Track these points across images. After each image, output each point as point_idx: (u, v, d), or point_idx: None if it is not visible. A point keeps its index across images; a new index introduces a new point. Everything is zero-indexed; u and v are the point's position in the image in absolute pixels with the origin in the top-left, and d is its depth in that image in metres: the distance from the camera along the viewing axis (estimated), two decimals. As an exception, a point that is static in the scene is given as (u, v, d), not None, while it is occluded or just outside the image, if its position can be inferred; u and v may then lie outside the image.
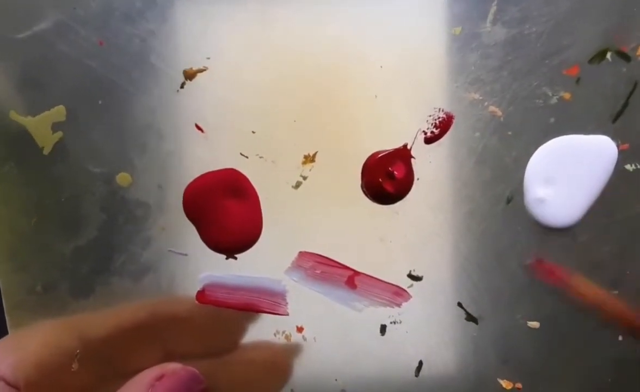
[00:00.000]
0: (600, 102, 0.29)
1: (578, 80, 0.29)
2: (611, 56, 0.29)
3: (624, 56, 0.29)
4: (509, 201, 0.30)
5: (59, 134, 0.29)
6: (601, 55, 0.29)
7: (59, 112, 0.29)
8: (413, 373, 0.31)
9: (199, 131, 0.30)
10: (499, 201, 0.30)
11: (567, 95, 0.29)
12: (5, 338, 0.31)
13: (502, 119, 0.29)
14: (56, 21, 0.28)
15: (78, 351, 0.30)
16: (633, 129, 0.29)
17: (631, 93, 0.29)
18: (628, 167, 0.30)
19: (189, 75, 0.29)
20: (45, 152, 0.29)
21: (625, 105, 0.29)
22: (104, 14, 0.29)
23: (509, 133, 0.30)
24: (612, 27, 0.29)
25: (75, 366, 0.30)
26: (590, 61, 0.29)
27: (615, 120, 0.29)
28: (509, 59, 0.29)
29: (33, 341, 0.30)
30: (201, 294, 0.31)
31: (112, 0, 0.29)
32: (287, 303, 0.31)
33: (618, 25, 0.29)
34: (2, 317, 0.30)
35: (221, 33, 0.29)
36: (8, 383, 0.30)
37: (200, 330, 0.31)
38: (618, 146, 0.30)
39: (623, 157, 0.30)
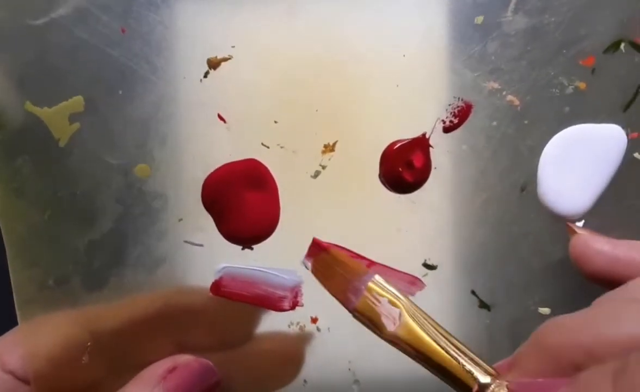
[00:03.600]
0: (613, 91, 0.30)
1: (593, 71, 0.30)
2: (625, 47, 0.29)
3: (637, 47, 0.29)
4: (522, 189, 0.31)
5: (77, 125, 0.29)
6: (615, 46, 0.29)
7: (77, 102, 0.28)
8: (426, 361, 0.32)
9: (221, 121, 0.29)
10: (513, 189, 0.31)
11: (582, 85, 0.30)
12: (14, 330, 0.30)
13: (519, 108, 0.30)
14: (76, 7, 0.28)
15: (89, 343, 0.30)
16: (643, 119, 0.30)
17: (642, 83, 0.30)
18: (637, 155, 0.30)
19: (213, 64, 0.29)
20: (62, 144, 0.29)
21: (636, 94, 0.30)
22: (127, 0, 0.28)
23: (525, 122, 0.30)
24: (627, 18, 0.29)
25: (86, 358, 0.30)
26: (605, 51, 0.29)
27: (626, 109, 0.30)
28: (528, 49, 0.29)
29: (43, 334, 0.30)
30: (215, 287, 0.30)
31: (136, -16, 0.28)
32: (302, 294, 0.31)
33: (632, 17, 0.29)
34: (12, 311, 0.29)
35: (247, 21, 0.29)
36: (17, 377, 0.29)
37: (213, 322, 0.31)
38: (628, 135, 0.30)
39: (632, 145, 0.30)
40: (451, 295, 0.31)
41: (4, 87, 0.28)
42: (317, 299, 0.31)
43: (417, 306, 0.27)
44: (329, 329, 0.31)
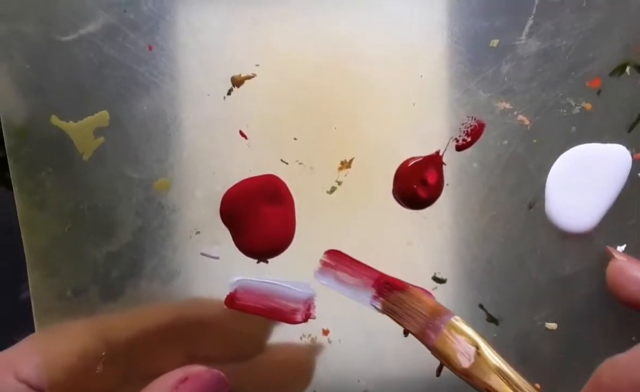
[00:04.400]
0: (618, 113, 0.31)
1: (599, 92, 0.30)
2: (630, 70, 0.30)
3: (642, 70, 0.30)
4: (530, 206, 0.31)
5: (101, 139, 0.29)
6: (621, 68, 0.30)
7: (102, 117, 0.29)
8: (434, 373, 0.32)
9: (243, 138, 0.30)
10: (521, 206, 0.31)
11: (588, 106, 0.31)
12: (29, 338, 0.30)
13: (529, 127, 0.31)
14: (105, 24, 0.28)
15: (104, 353, 0.30)
16: (647, 139, 0.31)
17: (646, 104, 0.31)
18: (641, 175, 0.31)
19: (237, 82, 0.29)
20: (85, 157, 0.29)
21: (641, 116, 0.31)
22: (155, 17, 0.28)
23: (534, 141, 0.31)
24: (633, 43, 0.30)
25: (100, 368, 0.30)
26: (611, 74, 0.30)
27: (630, 130, 0.31)
28: (539, 71, 0.30)
29: (58, 343, 0.30)
30: (230, 299, 0.31)
31: (164, 3, 0.28)
32: (314, 307, 0.31)
33: (638, 41, 0.30)
34: (31, 321, 0.29)
35: (270, 40, 0.29)
36: (31, 386, 0.29)
37: (226, 334, 0.31)
38: (632, 155, 0.31)
39: (637, 165, 0.31)
40: (460, 308, 0.32)
41: (30, 101, 0.28)
42: (329, 311, 0.31)
43: (491, 347, 0.29)
44: (340, 341, 0.32)
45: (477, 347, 0.29)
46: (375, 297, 0.31)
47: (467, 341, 0.29)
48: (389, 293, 0.31)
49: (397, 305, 0.31)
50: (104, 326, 0.30)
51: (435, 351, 0.29)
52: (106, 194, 0.29)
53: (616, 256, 0.30)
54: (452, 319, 0.29)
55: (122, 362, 0.30)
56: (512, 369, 0.28)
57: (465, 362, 0.29)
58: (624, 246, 0.31)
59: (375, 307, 0.31)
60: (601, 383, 0.25)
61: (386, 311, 0.31)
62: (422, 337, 0.30)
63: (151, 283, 0.30)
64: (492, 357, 0.29)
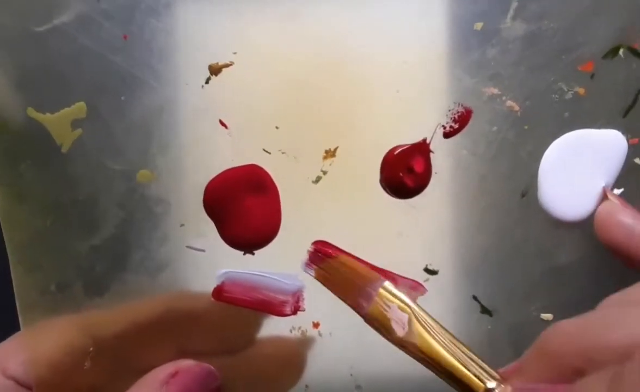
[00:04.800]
0: (612, 97, 0.30)
1: (592, 76, 0.30)
2: (624, 53, 0.30)
3: (636, 53, 0.30)
4: (523, 194, 0.31)
5: (79, 131, 0.29)
6: (614, 51, 0.30)
7: (79, 108, 0.29)
8: (426, 366, 0.32)
9: (223, 127, 0.29)
10: (514, 194, 0.31)
11: (581, 91, 0.30)
12: (16, 335, 0.30)
13: (519, 113, 0.30)
14: (79, 14, 0.28)
15: (91, 348, 0.30)
16: (643, 124, 0.30)
17: (641, 88, 0.30)
18: (637, 161, 0.30)
19: (215, 70, 0.29)
20: (64, 149, 0.29)
21: (636, 100, 0.30)
22: (130, 7, 0.28)
23: (525, 127, 0.30)
24: (626, 24, 0.29)
25: (88, 364, 0.30)
26: (604, 57, 0.30)
27: (625, 115, 0.30)
28: (526, 55, 0.30)
29: (46, 339, 0.30)
30: (217, 292, 0.30)
31: (139, -8, 0.28)
32: (303, 299, 0.31)
33: (631, 23, 0.29)
34: (15, 317, 0.29)
35: (248, 28, 0.29)
36: (19, 383, 0.29)
37: (215, 327, 0.31)
38: (628, 140, 0.30)
39: (633, 151, 0.30)
40: (452, 300, 0.31)
41: (6, 93, 0.28)
42: (319, 304, 0.31)
43: (425, 312, 0.28)
44: (330, 334, 0.31)
45: (411, 313, 0.28)
46: (308, 265, 0.30)
47: (399, 307, 0.28)
48: (321, 261, 0.30)
49: (328, 273, 0.30)
50: (90, 321, 0.30)
51: (369, 320, 0.28)
52: (87, 186, 0.29)
53: (610, 197, 0.29)
54: (384, 285, 0.28)
55: (110, 358, 0.30)
56: (450, 335, 0.27)
57: (399, 331, 0.28)
58: (622, 189, 0.30)
59: (308, 273, 0.30)
60: (547, 350, 0.25)
61: (319, 279, 0.30)
62: (355, 307, 0.29)
63: (137, 277, 0.30)
64: (426, 323, 0.28)
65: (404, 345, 0.28)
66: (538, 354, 0.25)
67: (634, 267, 0.28)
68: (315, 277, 0.30)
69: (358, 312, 0.29)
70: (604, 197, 0.30)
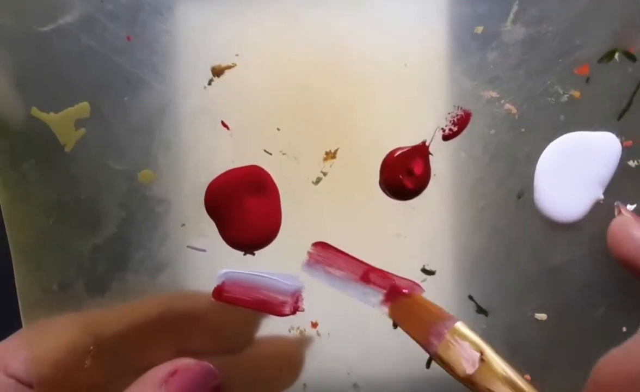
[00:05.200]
0: (607, 100, 0.30)
1: (588, 80, 0.30)
2: (619, 56, 0.30)
3: (631, 57, 0.30)
4: (519, 196, 0.31)
5: (82, 131, 0.29)
6: (610, 55, 0.30)
7: (83, 108, 0.29)
8: (424, 366, 0.32)
9: (225, 128, 0.29)
10: (510, 196, 0.31)
11: (577, 94, 0.30)
12: (17, 334, 0.30)
13: (516, 116, 0.30)
14: (83, 14, 0.28)
15: (92, 347, 0.30)
16: (637, 127, 0.31)
17: (635, 92, 0.30)
18: (631, 163, 0.31)
19: (217, 71, 0.29)
20: (67, 149, 0.29)
21: (630, 103, 0.30)
22: (133, 8, 0.28)
23: (522, 130, 0.30)
24: (621, 28, 0.30)
25: (88, 362, 0.30)
26: (600, 61, 0.30)
27: (620, 117, 0.31)
28: (525, 58, 0.30)
29: (46, 338, 0.30)
30: (217, 292, 0.30)
31: (143, -7, 0.28)
32: (302, 299, 0.31)
33: (626, 27, 0.30)
34: (16, 316, 0.29)
35: (251, 29, 0.29)
36: (20, 381, 0.29)
37: (215, 326, 0.31)
38: (622, 143, 0.31)
39: (627, 153, 0.31)
40: (449, 300, 0.32)
41: (10, 92, 0.28)
42: (318, 304, 0.31)
43: (496, 353, 0.29)
44: (329, 333, 0.31)
45: (482, 352, 0.28)
46: (383, 302, 0.31)
47: (471, 346, 0.29)
48: (395, 298, 0.31)
49: (400, 309, 0.30)
50: (91, 320, 0.30)
51: (438, 358, 0.29)
52: (89, 185, 0.29)
53: (624, 212, 0.30)
54: (456, 325, 0.29)
55: (110, 357, 0.30)
56: (518, 375, 0.28)
57: (469, 369, 0.28)
58: (634, 205, 0.31)
59: (383, 312, 0.31)
60: (600, 381, 0.25)
61: (392, 316, 0.31)
62: (425, 344, 0.29)
63: (138, 276, 0.30)
64: (498, 363, 0.28)
65: (474, 383, 0.28)
66: (593, 387, 0.25)
67: None
68: (389, 315, 0.31)
69: (427, 350, 0.29)
70: (617, 212, 0.30)
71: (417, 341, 0.29)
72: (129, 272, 0.30)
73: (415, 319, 0.30)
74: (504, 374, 0.28)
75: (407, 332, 0.30)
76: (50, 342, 0.30)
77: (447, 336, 0.29)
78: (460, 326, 0.29)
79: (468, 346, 0.29)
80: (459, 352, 0.28)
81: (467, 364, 0.28)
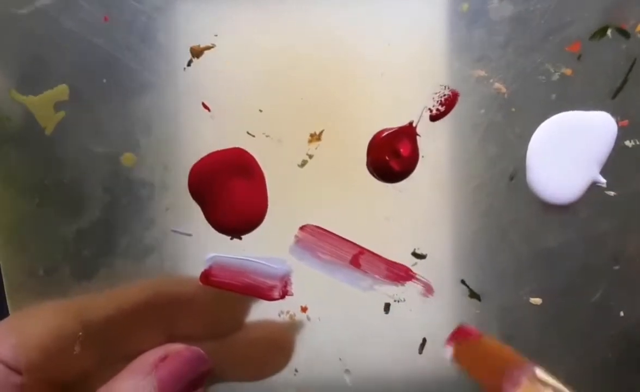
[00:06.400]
0: (601, 78, 0.30)
1: (579, 57, 0.29)
2: (611, 33, 0.29)
3: (624, 33, 0.29)
4: (511, 177, 0.30)
5: (62, 113, 0.29)
6: (602, 32, 0.29)
7: (62, 91, 0.29)
8: (417, 351, 0.32)
9: (206, 110, 0.29)
10: (502, 177, 0.30)
11: (568, 72, 0.30)
12: (6, 320, 0.30)
13: (506, 95, 0.30)
14: (59, -5, 0.28)
15: (80, 333, 0.30)
16: (632, 106, 0.30)
17: (630, 69, 0.30)
18: (627, 143, 0.30)
19: (196, 52, 0.29)
20: (48, 132, 0.29)
21: (625, 81, 0.30)
22: (110, -12, 0.28)
23: (513, 109, 0.30)
24: (613, 4, 0.29)
25: (77, 348, 0.30)
26: (591, 38, 0.29)
27: (614, 96, 0.30)
28: (513, 36, 0.29)
29: (35, 324, 0.30)
30: (205, 276, 0.30)
31: (119, -26, 0.28)
32: (291, 283, 0.31)
33: (618, 3, 0.29)
34: (3, 301, 0.30)
35: (229, 10, 0.29)
36: (9, 366, 0.29)
37: (204, 311, 0.31)
38: (618, 122, 0.30)
39: (623, 133, 0.30)
40: (441, 284, 0.31)
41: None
42: (307, 288, 0.31)
43: None
44: (319, 318, 0.31)
45: None
46: (448, 343, 0.30)
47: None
48: (462, 341, 0.30)
49: (468, 353, 0.30)
50: (80, 306, 0.30)
51: None
52: (72, 169, 0.29)
53: None
54: (536, 371, 0.28)
55: (100, 342, 0.30)
56: None
57: None
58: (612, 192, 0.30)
59: (448, 355, 0.31)
60: None
61: (457, 358, 0.30)
62: (497, 391, 0.29)
63: (125, 261, 0.30)
64: None
65: None
66: None
67: None
68: (452, 357, 0.30)
69: None
70: None
71: (486, 386, 0.29)
72: (115, 257, 0.30)
73: (485, 363, 0.29)
74: None
75: (474, 377, 0.29)
76: (38, 327, 0.30)
77: (526, 382, 0.28)
78: (539, 372, 0.28)
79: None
80: None
81: None
